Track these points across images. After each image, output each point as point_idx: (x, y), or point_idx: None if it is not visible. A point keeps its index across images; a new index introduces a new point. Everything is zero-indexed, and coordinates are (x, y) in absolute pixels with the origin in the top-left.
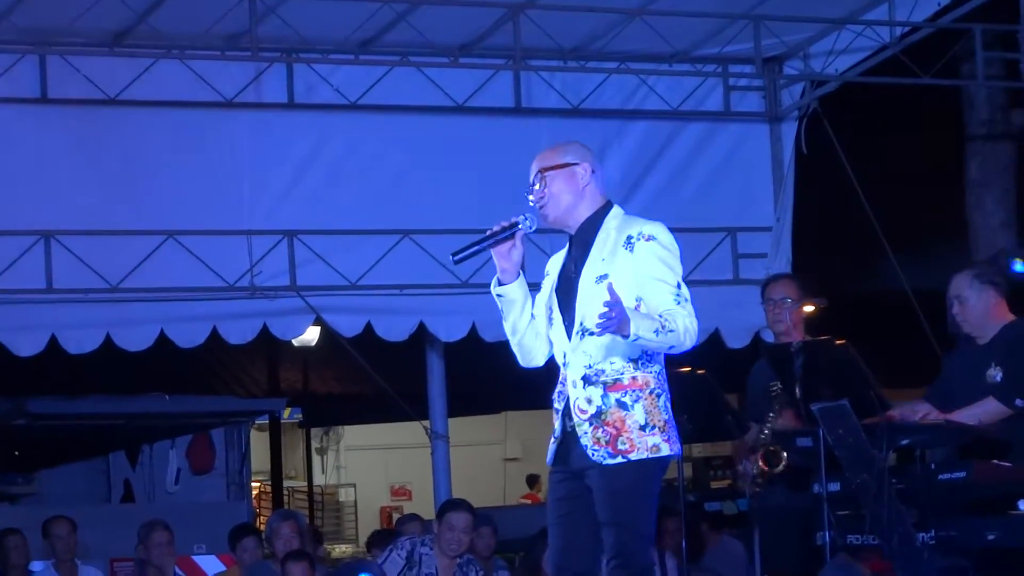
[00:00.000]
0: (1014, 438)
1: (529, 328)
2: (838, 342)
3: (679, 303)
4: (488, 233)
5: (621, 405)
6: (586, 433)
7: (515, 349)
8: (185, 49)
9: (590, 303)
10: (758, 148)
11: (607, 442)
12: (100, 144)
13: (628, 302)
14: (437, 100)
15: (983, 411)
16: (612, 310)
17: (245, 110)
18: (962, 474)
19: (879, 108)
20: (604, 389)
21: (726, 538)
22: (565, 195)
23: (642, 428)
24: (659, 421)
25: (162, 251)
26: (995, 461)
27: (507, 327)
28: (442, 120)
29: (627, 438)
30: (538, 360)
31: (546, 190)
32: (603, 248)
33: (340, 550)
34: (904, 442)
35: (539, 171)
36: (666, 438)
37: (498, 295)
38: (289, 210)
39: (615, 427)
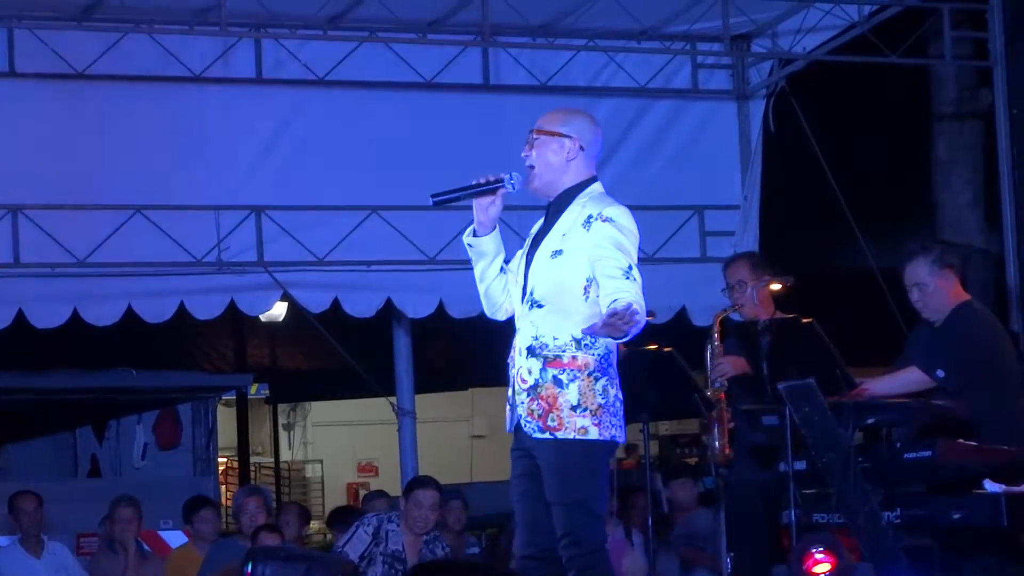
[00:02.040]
0: (980, 417)
1: (497, 280)
2: (805, 320)
3: (628, 279)
4: (473, 183)
5: (556, 382)
6: (523, 403)
7: (481, 297)
8: (153, 23)
9: (540, 275)
10: (726, 126)
11: (539, 416)
12: (68, 118)
13: (579, 281)
14: (405, 76)
15: (906, 380)
16: (621, 320)
17: (213, 85)
18: (928, 453)
19: (847, 87)
20: (544, 363)
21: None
22: (549, 163)
23: (573, 408)
24: (592, 404)
25: (129, 226)
26: (961, 440)
27: (476, 274)
28: (410, 96)
29: (556, 416)
30: (500, 315)
31: (533, 152)
32: (566, 223)
33: (316, 527)
34: (870, 421)
35: (532, 132)
36: (596, 422)
37: (468, 244)
38: (257, 185)
39: (547, 402)
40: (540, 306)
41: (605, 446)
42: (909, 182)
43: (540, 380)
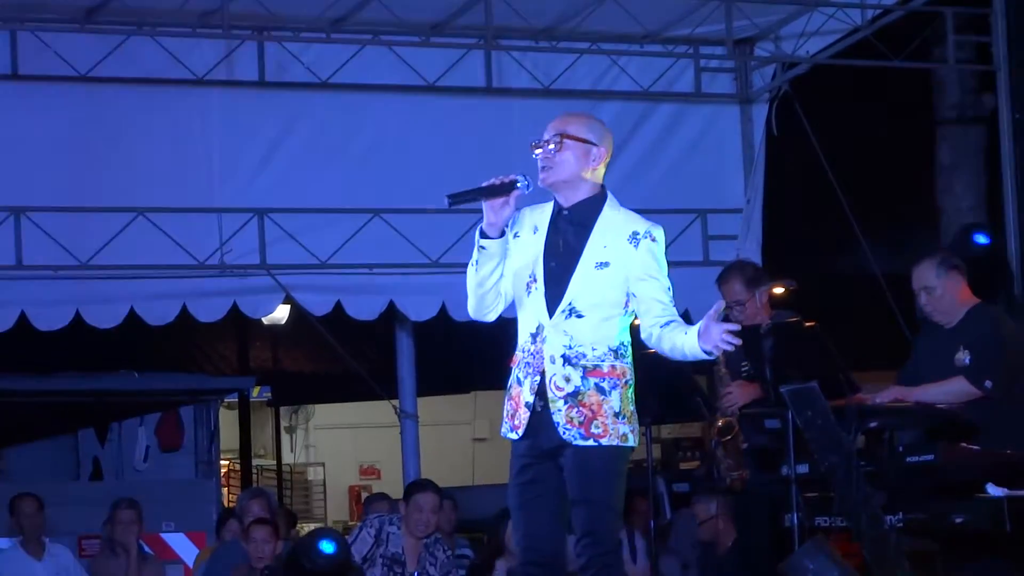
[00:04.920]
0: (982, 421)
1: (495, 287)
2: (808, 324)
3: (672, 303)
4: (487, 184)
5: (600, 390)
6: (560, 411)
7: (472, 298)
8: (156, 26)
9: (586, 287)
10: (729, 130)
11: (581, 423)
12: (71, 121)
13: (622, 295)
14: (408, 79)
15: (951, 390)
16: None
17: (216, 88)
18: (930, 457)
19: (850, 91)
20: (584, 372)
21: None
22: (572, 168)
23: (616, 415)
24: (627, 412)
25: (132, 228)
26: (963, 444)
27: (475, 278)
28: (413, 99)
29: (601, 422)
30: (491, 316)
31: (557, 155)
32: (605, 236)
33: (309, 529)
34: (872, 424)
35: (560, 133)
36: (632, 429)
37: (481, 246)
38: (259, 188)
39: (591, 410)
40: (580, 316)
41: (632, 451)
42: (912, 186)
43: (581, 387)
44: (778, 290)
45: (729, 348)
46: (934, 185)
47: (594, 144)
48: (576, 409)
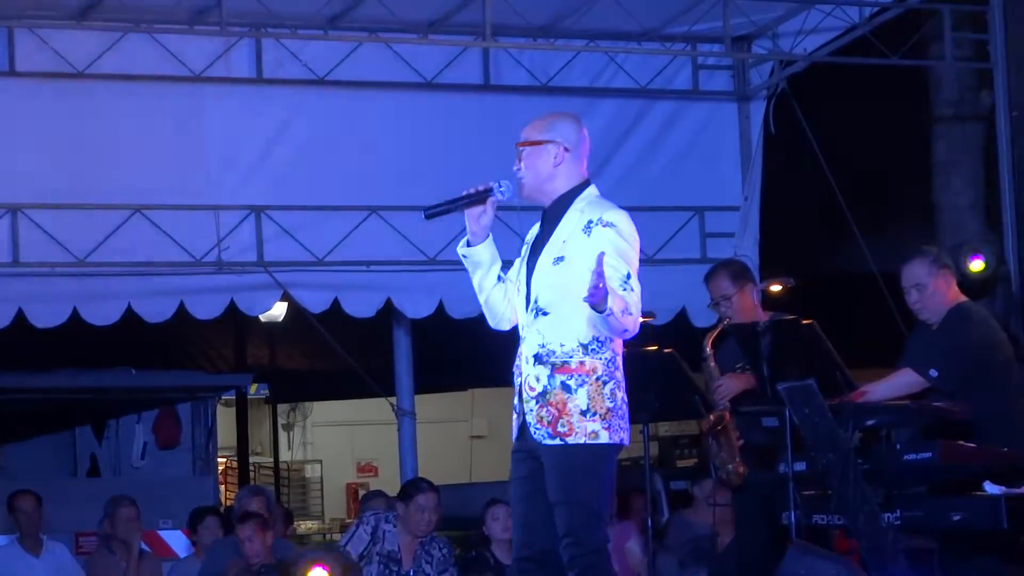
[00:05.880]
0: (980, 419)
1: (496, 290)
2: (805, 321)
3: (625, 290)
4: (463, 194)
5: (565, 388)
6: (532, 411)
7: (483, 309)
8: (153, 23)
9: (543, 283)
10: (726, 127)
11: (549, 422)
12: (68, 118)
13: (583, 287)
14: (406, 76)
15: (900, 383)
16: (599, 282)
17: (213, 85)
18: (928, 455)
19: (848, 88)
20: (552, 370)
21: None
22: (537, 172)
23: (583, 413)
24: (601, 408)
25: (129, 226)
26: (961, 442)
27: (474, 285)
28: (411, 96)
29: (567, 421)
30: (504, 325)
31: (522, 164)
32: (565, 230)
33: (306, 526)
34: (870, 422)
35: (522, 142)
36: (606, 426)
37: (463, 255)
38: (257, 185)
39: (557, 409)
40: (545, 314)
41: (613, 449)
42: (909, 184)
43: (548, 387)
44: (776, 287)
45: (597, 297)
46: (931, 182)
47: (549, 142)
48: (545, 409)
